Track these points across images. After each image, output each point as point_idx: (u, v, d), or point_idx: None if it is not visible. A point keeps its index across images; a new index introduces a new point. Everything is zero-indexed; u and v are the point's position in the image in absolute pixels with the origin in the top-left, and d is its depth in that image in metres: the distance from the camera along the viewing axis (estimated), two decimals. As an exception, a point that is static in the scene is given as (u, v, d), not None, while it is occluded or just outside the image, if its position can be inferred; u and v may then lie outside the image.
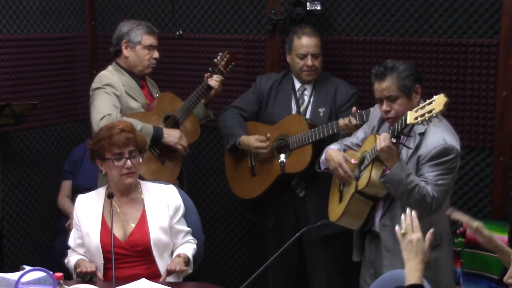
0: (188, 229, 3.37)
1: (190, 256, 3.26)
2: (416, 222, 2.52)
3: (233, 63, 4.13)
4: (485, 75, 3.81)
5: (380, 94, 3.17)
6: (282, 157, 3.85)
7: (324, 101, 3.94)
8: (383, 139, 3.02)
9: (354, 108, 3.67)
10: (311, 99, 3.98)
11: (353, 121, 3.62)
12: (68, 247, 3.32)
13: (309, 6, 4.07)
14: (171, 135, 3.83)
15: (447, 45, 3.89)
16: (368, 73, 4.11)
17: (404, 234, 2.52)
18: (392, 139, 3.01)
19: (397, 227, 2.58)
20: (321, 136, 3.77)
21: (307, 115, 3.97)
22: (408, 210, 2.58)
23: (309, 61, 3.90)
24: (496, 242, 2.57)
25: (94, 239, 3.19)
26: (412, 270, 2.47)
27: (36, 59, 4.64)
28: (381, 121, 3.34)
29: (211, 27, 4.65)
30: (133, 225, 3.22)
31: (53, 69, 4.78)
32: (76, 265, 3.19)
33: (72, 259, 3.26)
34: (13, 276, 2.77)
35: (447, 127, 3.18)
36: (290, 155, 3.88)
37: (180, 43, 4.74)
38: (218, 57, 4.10)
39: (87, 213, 3.26)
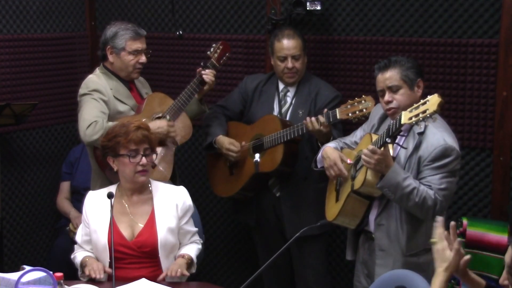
0: (196, 229, 3.38)
1: (194, 257, 3.27)
2: (440, 230, 2.50)
3: (227, 54, 4.05)
4: (485, 75, 3.81)
5: (382, 85, 3.19)
6: (257, 156, 3.88)
7: (304, 103, 3.96)
8: (370, 155, 3.00)
9: (325, 110, 3.69)
10: (293, 101, 4.00)
11: (321, 119, 3.63)
12: (75, 242, 3.33)
13: (309, 6, 4.07)
14: (159, 133, 3.73)
15: (447, 45, 3.89)
16: (368, 73, 4.13)
17: (434, 243, 2.50)
18: (387, 139, 3.01)
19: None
20: (292, 136, 3.79)
21: (287, 117, 3.99)
22: (438, 218, 2.52)
23: (289, 64, 3.92)
24: (470, 275, 2.57)
25: (102, 237, 3.19)
26: (436, 276, 2.46)
27: (36, 59, 4.64)
28: (381, 120, 3.35)
29: (211, 27, 4.65)
30: (141, 225, 3.22)
31: (53, 69, 4.77)
32: (83, 262, 3.19)
33: (78, 255, 3.26)
34: (13, 276, 2.77)
35: (446, 128, 3.19)
36: (264, 154, 3.91)
37: (180, 43, 4.74)
38: (212, 49, 4.03)
39: (97, 210, 3.25)
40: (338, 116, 3.60)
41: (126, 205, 3.26)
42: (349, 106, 3.57)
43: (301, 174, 3.90)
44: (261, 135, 3.94)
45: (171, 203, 3.29)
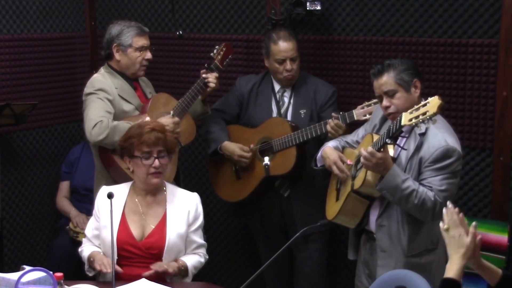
0: (202, 242, 3.33)
1: (189, 265, 3.21)
2: (455, 216, 2.46)
3: (230, 56, 4.06)
4: (485, 75, 3.81)
5: (379, 91, 3.20)
6: (266, 159, 3.87)
7: (304, 103, 3.95)
8: (369, 157, 2.99)
9: (333, 114, 3.69)
10: (291, 101, 4.00)
11: (335, 120, 3.64)
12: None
13: (309, 6, 4.07)
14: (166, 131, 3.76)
15: (447, 45, 3.89)
16: (368, 73, 4.11)
17: (447, 230, 2.46)
18: (387, 140, 3.00)
19: (441, 223, 2.49)
20: (305, 138, 3.79)
21: (288, 117, 3.98)
22: (449, 204, 2.50)
23: (288, 66, 3.91)
24: (485, 263, 2.54)
25: (110, 234, 3.17)
26: (452, 263, 2.43)
27: (36, 59, 4.64)
28: (383, 120, 3.34)
29: (211, 27, 4.65)
30: (153, 227, 3.22)
31: (53, 69, 4.78)
32: (90, 257, 3.19)
33: (86, 249, 3.26)
34: (13, 276, 2.77)
35: (448, 129, 3.17)
36: (274, 157, 3.90)
37: (180, 43, 4.74)
38: (215, 51, 4.04)
39: (109, 206, 3.23)
40: (355, 118, 3.63)
41: (139, 205, 3.25)
42: (366, 107, 3.61)
43: (309, 173, 3.90)
44: (269, 138, 3.92)
45: (183, 208, 3.27)
